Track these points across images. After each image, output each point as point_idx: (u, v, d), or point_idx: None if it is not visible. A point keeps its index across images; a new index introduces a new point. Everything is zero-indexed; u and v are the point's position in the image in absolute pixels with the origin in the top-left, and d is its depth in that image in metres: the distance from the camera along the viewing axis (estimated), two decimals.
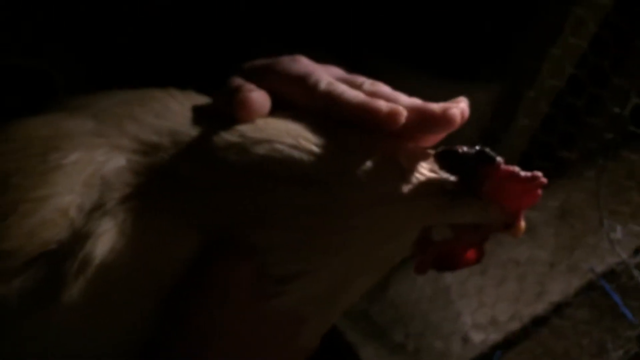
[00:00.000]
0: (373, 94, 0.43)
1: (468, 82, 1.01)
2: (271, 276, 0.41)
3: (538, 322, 1.16)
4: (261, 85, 0.45)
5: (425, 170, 0.42)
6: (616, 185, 1.03)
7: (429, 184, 0.41)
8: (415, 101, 0.43)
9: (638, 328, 1.03)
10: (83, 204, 0.40)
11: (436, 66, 0.99)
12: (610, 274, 1.12)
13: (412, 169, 0.41)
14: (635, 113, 0.91)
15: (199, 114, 0.45)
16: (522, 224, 0.43)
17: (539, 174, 0.41)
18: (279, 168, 0.40)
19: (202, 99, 0.48)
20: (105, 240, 0.39)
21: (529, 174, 0.41)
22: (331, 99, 0.43)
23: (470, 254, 0.46)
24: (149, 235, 0.40)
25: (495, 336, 1.13)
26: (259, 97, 0.43)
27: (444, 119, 0.41)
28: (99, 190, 0.41)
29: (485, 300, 1.15)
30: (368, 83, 0.45)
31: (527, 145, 1.04)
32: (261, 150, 0.41)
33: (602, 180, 0.92)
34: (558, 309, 1.17)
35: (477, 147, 0.41)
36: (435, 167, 0.43)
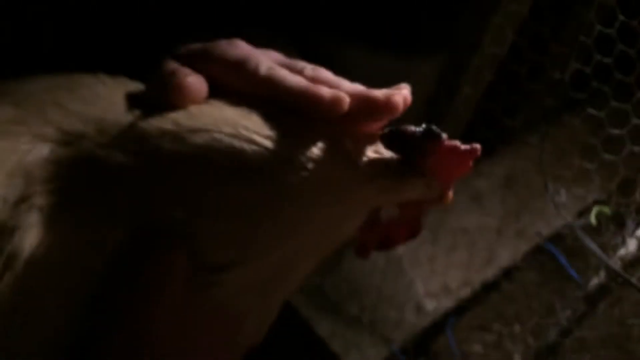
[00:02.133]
0: (315, 80, 0.42)
1: (411, 54, 1.01)
2: (206, 265, 0.39)
3: (488, 287, 1.19)
4: (197, 70, 0.43)
5: (370, 152, 0.42)
6: (559, 151, 1.05)
7: (374, 165, 0.41)
8: (358, 87, 0.43)
9: (584, 288, 1.07)
10: (7, 196, 0.38)
11: (379, 40, 0.98)
12: (557, 237, 1.15)
13: (356, 151, 0.41)
14: (575, 78, 0.93)
15: (130, 100, 0.43)
16: (451, 193, 0.44)
17: (477, 145, 0.42)
18: (218, 158, 0.39)
19: (134, 86, 0.46)
20: (32, 234, 0.37)
21: (468, 146, 0.42)
22: (272, 85, 0.42)
23: (407, 229, 0.47)
24: (75, 230, 0.38)
25: (447, 303, 1.15)
26: (195, 82, 0.42)
27: (386, 106, 0.41)
28: (22, 182, 0.38)
29: (437, 268, 1.17)
30: (309, 68, 0.44)
31: (472, 115, 1.05)
32: (198, 139, 0.39)
33: (545, 146, 0.94)
34: (507, 273, 1.20)
35: (424, 125, 0.41)
36: (380, 148, 0.42)
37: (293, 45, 0.92)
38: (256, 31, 0.90)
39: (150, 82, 0.44)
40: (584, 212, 1.14)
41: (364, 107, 0.41)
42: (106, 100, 0.43)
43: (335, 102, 0.40)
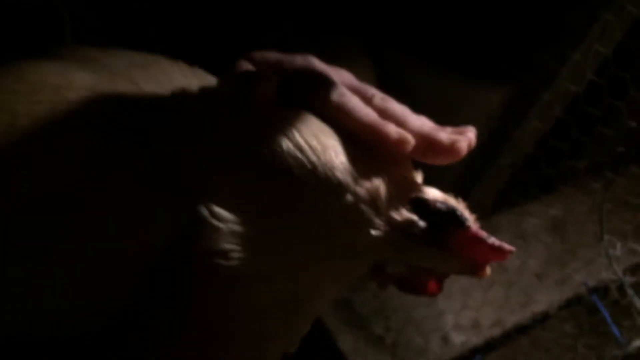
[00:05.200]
0: (383, 112, 0.43)
1: (481, 81, 0.98)
2: (238, 271, 0.39)
3: (520, 330, 1.15)
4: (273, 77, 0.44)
5: (400, 206, 0.41)
6: (620, 202, 1.00)
7: (397, 221, 0.40)
8: (424, 127, 0.43)
9: (625, 347, 1.02)
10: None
11: (450, 62, 0.97)
12: (602, 290, 1.11)
13: (390, 199, 0.40)
14: None
15: (201, 90, 0.44)
16: (488, 270, 0.42)
17: (507, 246, 0.40)
18: (264, 152, 0.39)
19: (208, 78, 0.47)
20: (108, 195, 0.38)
21: (497, 242, 0.40)
22: (341, 113, 0.42)
23: (431, 285, 0.45)
24: (142, 204, 0.38)
25: (476, 339, 1.11)
26: (269, 87, 0.42)
27: (450, 150, 0.42)
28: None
29: (470, 302, 1.13)
30: (379, 97, 0.44)
31: (534, 149, 1.01)
32: (252, 130, 0.40)
33: (607, 194, 0.90)
34: (542, 320, 1.16)
35: (450, 206, 0.40)
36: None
37: (368, 54, 0.91)
38: (338, 35, 0.89)
39: (225, 77, 0.45)
40: (636, 270, 1.09)
41: (427, 148, 0.42)
42: (178, 86, 0.44)
43: (400, 142, 0.40)
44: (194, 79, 0.46)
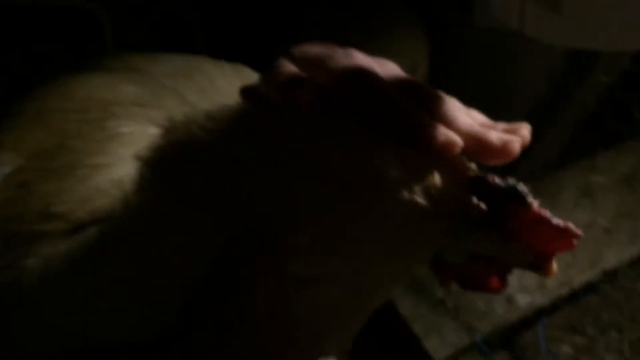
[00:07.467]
0: (430, 109, 0.41)
1: None
2: (292, 277, 0.39)
3: (588, 289, 1.12)
4: (311, 75, 0.43)
5: (457, 192, 0.39)
6: None
7: (455, 206, 0.39)
8: (473, 126, 0.41)
9: None
10: (130, 177, 0.40)
11: None
12: None
13: (445, 187, 0.39)
14: None
15: (244, 95, 0.44)
16: (554, 266, 0.39)
17: (572, 226, 0.37)
18: (315, 163, 0.39)
19: (250, 76, 0.48)
20: (153, 217, 0.39)
21: (561, 223, 0.37)
22: (386, 114, 0.41)
23: (494, 281, 0.43)
24: (180, 227, 0.40)
25: (541, 300, 1.09)
26: (312, 92, 0.42)
27: (501, 152, 0.40)
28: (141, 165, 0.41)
29: None
30: (424, 94, 0.43)
31: (601, 104, 0.96)
32: (301, 138, 0.40)
33: None
34: (612, 278, 1.12)
35: (510, 182, 0.38)
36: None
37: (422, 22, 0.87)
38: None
39: (265, 81, 0.45)
40: None
41: (477, 149, 0.40)
42: (222, 92, 0.45)
43: (447, 145, 0.39)
44: (236, 79, 0.47)
